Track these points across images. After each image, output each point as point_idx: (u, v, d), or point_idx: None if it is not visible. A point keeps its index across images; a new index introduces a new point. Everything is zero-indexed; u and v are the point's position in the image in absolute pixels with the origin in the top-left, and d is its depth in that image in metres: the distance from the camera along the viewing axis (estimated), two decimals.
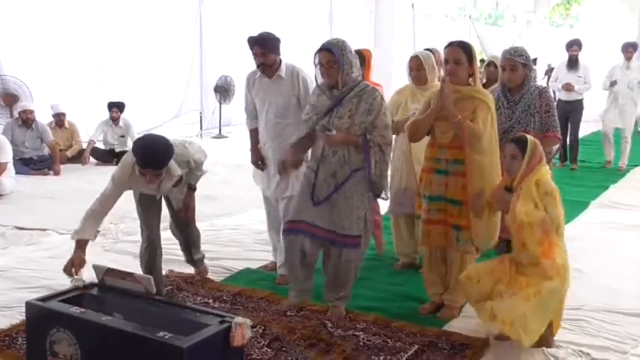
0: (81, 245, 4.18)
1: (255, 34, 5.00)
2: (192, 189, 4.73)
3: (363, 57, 5.49)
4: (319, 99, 4.29)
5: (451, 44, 4.23)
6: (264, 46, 4.88)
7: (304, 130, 4.39)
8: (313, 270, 4.46)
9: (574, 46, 10.01)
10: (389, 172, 4.72)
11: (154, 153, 4.04)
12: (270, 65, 4.88)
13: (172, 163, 4.22)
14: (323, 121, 4.17)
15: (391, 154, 4.51)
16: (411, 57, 5.14)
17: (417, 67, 5.03)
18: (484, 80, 5.98)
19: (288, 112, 4.84)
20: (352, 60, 4.18)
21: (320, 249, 4.42)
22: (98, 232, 4.39)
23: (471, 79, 4.20)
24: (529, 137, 3.86)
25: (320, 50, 4.22)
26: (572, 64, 10.06)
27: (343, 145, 4.17)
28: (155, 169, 4.07)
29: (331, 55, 4.13)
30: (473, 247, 4.25)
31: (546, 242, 3.67)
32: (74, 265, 3.98)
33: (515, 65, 4.45)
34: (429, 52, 5.23)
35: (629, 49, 10.30)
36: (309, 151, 4.49)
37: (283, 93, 4.84)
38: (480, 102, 4.13)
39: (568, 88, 9.80)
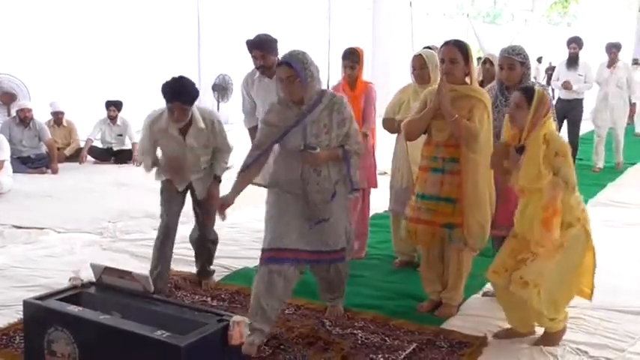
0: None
1: (252, 36, 5.01)
2: (217, 179, 4.71)
3: (359, 55, 5.50)
4: (285, 113, 3.88)
5: (447, 43, 4.24)
6: (264, 49, 4.90)
7: (257, 152, 3.92)
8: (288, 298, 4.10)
9: (572, 43, 9.84)
10: (389, 171, 4.73)
11: (181, 84, 4.38)
12: (269, 67, 4.89)
13: (197, 113, 4.47)
14: (297, 142, 3.85)
15: (392, 153, 4.52)
16: (414, 55, 5.11)
17: (420, 66, 5.01)
18: (480, 78, 5.95)
19: None
20: (314, 72, 3.84)
21: (299, 271, 4.12)
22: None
23: (467, 77, 4.20)
24: (536, 87, 3.87)
25: (279, 64, 3.88)
26: (572, 62, 9.86)
27: (325, 161, 3.91)
28: (182, 101, 4.30)
29: (291, 69, 3.77)
30: (465, 244, 4.25)
31: (551, 209, 3.62)
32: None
33: (514, 64, 4.43)
34: (432, 50, 5.21)
35: (612, 49, 10.14)
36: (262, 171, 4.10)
37: None
38: (476, 101, 4.14)
39: (566, 86, 9.61)
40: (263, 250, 3.93)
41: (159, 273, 4.64)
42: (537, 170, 3.63)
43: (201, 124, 4.51)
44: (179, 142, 4.53)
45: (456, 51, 4.16)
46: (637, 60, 14.29)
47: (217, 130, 4.62)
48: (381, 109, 5.32)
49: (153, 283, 3.65)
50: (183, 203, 4.77)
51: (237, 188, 3.91)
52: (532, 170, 3.64)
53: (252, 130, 5.14)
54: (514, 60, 4.45)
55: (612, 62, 10.08)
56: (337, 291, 4.34)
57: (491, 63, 5.86)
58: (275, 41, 4.99)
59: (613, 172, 9.92)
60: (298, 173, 3.89)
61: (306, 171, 3.89)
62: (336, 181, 3.98)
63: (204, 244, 4.94)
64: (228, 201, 3.90)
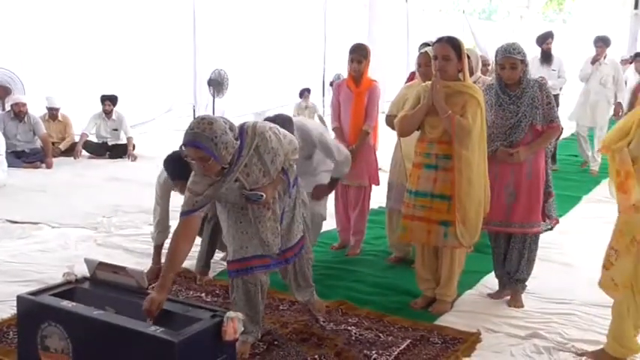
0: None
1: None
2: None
3: (366, 51, 5.49)
4: (209, 180, 3.51)
5: (439, 40, 4.24)
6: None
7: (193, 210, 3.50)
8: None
9: (549, 39, 9.39)
10: (388, 167, 4.73)
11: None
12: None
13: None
14: (236, 197, 3.61)
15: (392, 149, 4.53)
16: (420, 52, 5.08)
17: (425, 63, 4.95)
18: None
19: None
20: (226, 141, 3.35)
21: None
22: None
23: (460, 74, 4.20)
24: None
25: (185, 145, 3.37)
26: (546, 57, 9.49)
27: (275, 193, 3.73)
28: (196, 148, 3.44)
29: (200, 151, 3.31)
30: (459, 241, 4.25)
31: (623, 173, 3.60)
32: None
33: (515, 63, 4.31)
34: None
35: (599, 43, 9.50)
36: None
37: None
38: (469, 97, 4.14)
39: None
40: (228, 262, 3.79)
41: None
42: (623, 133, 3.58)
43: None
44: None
45: (449, 48, 4.15)
46: (625, 58, 14.08)
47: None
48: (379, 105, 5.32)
49: None
50: None
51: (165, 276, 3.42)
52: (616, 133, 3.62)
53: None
54: (516, 59, 4.34)
55: (597, 58, 9.45)
56: (305, 282, 4.14)
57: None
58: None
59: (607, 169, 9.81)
60: (247, 218, 3.71)
61: (256, 211, 3.69)
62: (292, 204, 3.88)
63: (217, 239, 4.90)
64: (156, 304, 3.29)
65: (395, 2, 17.73)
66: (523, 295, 4.63)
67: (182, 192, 4.09)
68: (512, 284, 4.58)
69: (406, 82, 5.71)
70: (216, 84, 13.18)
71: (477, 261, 5.20)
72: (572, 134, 10.42)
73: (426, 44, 5.31)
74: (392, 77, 13.84)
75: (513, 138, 4.32)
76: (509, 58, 4.31)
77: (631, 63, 13.84)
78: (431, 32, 18.21)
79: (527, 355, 3.81)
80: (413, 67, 5.52)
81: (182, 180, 4.04)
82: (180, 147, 3.44)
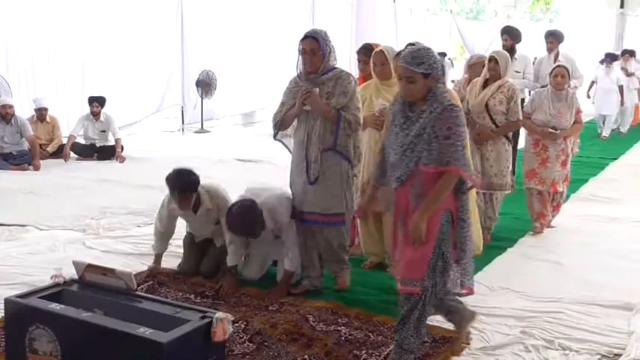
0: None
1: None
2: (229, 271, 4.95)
3: (372, 51, 5.48)
4: (298, 85, 4.51)
5: (398, 55, 4.30)
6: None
7: (280, 115, 4.58)
8: None
9: (504, 35, 8.22)
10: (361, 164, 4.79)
11: (179, 175, 4.71)
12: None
13: (203, 195, 4.85)
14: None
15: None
16: (375, 51, 5.03)
17: (381, 62, 4.94)
18: (487, 76, 5.81)
19: None
20: (332, 48, 4.42)
21: None
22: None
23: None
24: None
25: (305, 38, 4.39)
26: None
27: (320, 114, 4.40)
28: (183, 191, 4.70)
29: (316, 42, 4.34)
30: None
31: None
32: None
33: (413, 77, 3.33)
34: (392, 46, 5.20)
35: (549, 38, 8.81)
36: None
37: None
38: None
39: None
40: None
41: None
42: None
43: (208, 205, 4.89)
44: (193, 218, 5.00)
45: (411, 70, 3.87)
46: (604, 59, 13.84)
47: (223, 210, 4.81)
48: None
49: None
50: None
51: None
52: None
53: None
54: (413, 72, 3.31)
55: (550, 52, 8.66)
56: (333, 258, 4.71)
57: (497, 61, 5.71)
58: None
59: (596, 166, 9.95)
60: (303, 136, 4.48)
61: (307, 133, 4.46)
62: (328, 147, 4.43)
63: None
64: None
65: (382, 2, 17.76)
66: (512, 294, 4.66)
67: (182, 207, 4.78)
68: None
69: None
70: (205, 85, 13.18)
71: None
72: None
73: (412, 44, 5.30)
74: None
75: (398, 173, 3.46)
76: (404, 69, 3.37)
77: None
78: (418, 32, 18.33)
79: (516, 353, 3.82)
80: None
81: (187, 193, 4.71)
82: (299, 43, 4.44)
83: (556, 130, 5.96)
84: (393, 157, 3.45)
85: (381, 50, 4.97)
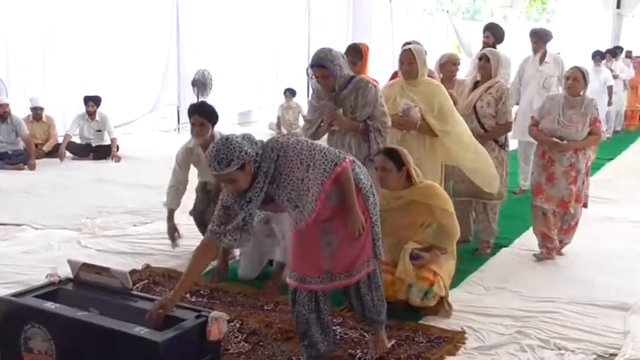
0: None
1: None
2: None
3: (361, 51, 5.49)
4: (320, 103, 4.61)
5: (378, 153, 4.26)
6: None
7: (312, 129, 4.66)
8: None
9: (486, 31, 7.74)
10: None
11: (200, 103, 5.25)
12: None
13: (218, 134, 4.85)
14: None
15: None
16: (403, 49, 5.00)
17: (408, 61, 4.87)
18: (478, 78, 5.64)
19: None
20: (341, 64, 4.42)
21: None
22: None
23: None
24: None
25: (312, 66, 4.46)
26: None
27: (349, 131, 4.52)
28: (199, 113, 4.90)
29: (325, 69, 4.37)
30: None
31: None
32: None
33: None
34: (421, 45, 5.14)
35: (533, 38, 8.05)
36: None
37: None
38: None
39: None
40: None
41: None
42: None
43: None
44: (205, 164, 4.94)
45: (387, 160, 4.16)
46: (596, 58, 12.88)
47: None
48: None
49: None
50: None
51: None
52: None
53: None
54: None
55: (536, 53, 7.99)
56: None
57: (488, 59, 5.50)
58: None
59: (593, 167, 9.90)
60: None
61: (344, 143, 4.55)
62: (365, 157, 4.46)
63: None
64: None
65: (379, 2, 17.76)
66: (508, 294, 4.66)
67: (198, 131, 4.92)
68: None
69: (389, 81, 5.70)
70: (200, 84, 13.15)
71: (462, 260, 5.20)
72: None
73: (408, 43, 5.31)
74: (376, 77, 13.86)
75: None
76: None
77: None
78: (415, 32, 18.32)
79: (512, 353, 3.82)
80: (397, 67, 5.52)
81: (204, 119, 4.90)
82: (306, 69, 4.68)
83: (562, 140, 5.23)
84: None
85: (409, 49, 4.91)
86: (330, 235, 3.45)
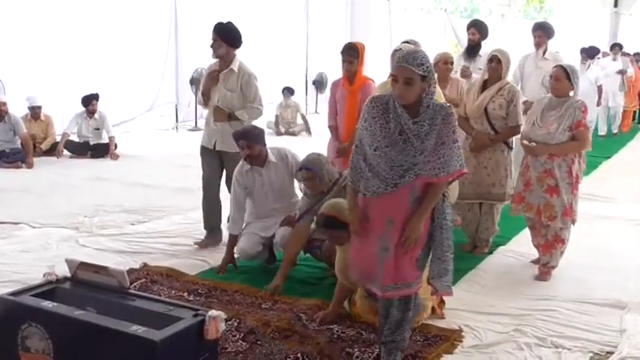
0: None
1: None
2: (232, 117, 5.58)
3: (357, 50, 5.50)
4: (306, 201, 4.86)
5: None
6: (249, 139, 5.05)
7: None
8: None
9: (471, 28, 7.59)
10: None
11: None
12: (256, 156, 5.06)
13: (237, 64, 5.51)
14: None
15: None
16: (395, 50, 5.01)
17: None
18: (486, 77, 5.43)
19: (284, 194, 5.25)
20: (329, 169, 4.70)
21: None
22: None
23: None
24: None
25: (300, 169, 4.74)
26: (471, 51, 7.58)
27: None
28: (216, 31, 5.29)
29: (310, 172, 4.64)
30: None
31: None
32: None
33: (412, 78, 3.25)
34: (411, 45, 5.14)
35: (536, 32, 7.69)
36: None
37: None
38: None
39: (464, 72, 7.06)
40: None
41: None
42: None
43: (235, 69, 5.47)
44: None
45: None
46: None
47: (250, 83, 5.56)
48: None
49: None
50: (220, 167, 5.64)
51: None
52: None
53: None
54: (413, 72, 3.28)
55: (538, 48, 7.65)
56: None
57: (499, 61, 5.29)
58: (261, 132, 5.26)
59: (587, 165, 9.88)
60: None
61: None
62: None
63: None
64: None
65: (377, 1, 17.77)
66: (505, 292, 4.67)
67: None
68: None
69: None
70: (198, 83, 13.14)
71: (459, 258, 5.20)
72: None
73: (406, 42, 5.31)
74: (374, 76, 13.88)
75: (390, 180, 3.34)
76: (405, 69, 3.25)
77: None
78: (413, 31, 18.31)
79: (508, 351, 3.83)
80: None
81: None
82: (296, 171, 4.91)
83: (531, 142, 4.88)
84: (382, 163, 3.30)
85: (401, 49, 4.82)
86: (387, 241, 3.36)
